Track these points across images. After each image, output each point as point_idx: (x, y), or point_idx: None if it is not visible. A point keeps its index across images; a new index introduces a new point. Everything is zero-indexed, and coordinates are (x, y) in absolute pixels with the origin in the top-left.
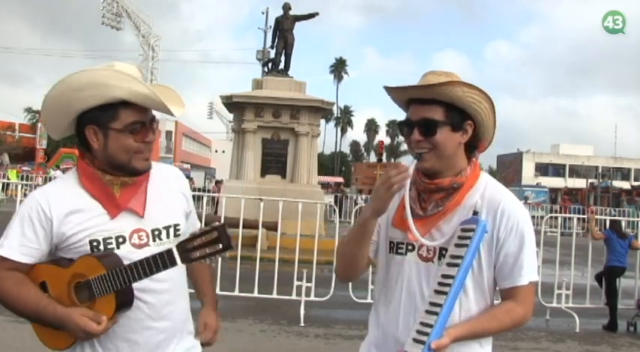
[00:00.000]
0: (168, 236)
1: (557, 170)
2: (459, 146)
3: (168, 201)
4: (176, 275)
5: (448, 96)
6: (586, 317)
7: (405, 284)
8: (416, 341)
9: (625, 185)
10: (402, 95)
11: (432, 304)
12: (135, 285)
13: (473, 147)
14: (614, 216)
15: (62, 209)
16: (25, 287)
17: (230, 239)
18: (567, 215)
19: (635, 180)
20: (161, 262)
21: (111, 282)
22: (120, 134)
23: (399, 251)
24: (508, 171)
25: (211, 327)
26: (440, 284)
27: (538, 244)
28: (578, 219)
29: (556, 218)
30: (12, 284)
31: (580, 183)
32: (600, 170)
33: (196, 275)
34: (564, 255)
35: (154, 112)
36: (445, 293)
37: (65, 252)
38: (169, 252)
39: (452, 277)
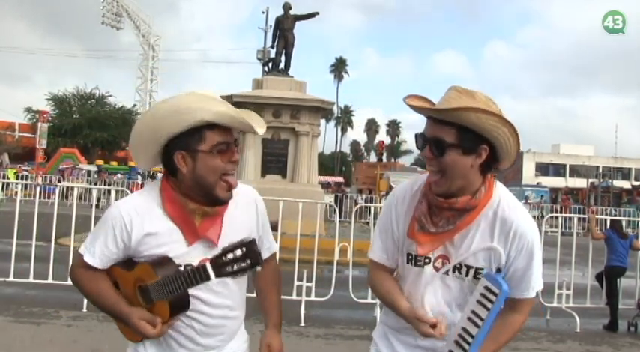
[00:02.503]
0: None
1: (558, 170)
2: (470, 168)
3: (238, 231)
4: (235, 296)
5: (461, 120)
6: (586, 317)
7: (421, 291)
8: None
9: (625, 185)
10: (420, 112)
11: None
12: (191, 305)
13: (489, 166)
14: (615, 215)
15: (142, 229)
16: (103, 285)
17: (258, 255)
18: (568, 215)
19: (636, 179)
20: (195, 277)
21: (163, 289)
22: (207, 155)
23: (418, 263)
24: (508, 170)
25: (275, 349)
26: (460, 335)
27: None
28: (579, 218)
29: (556, 218)
30: (91, 281)
31: (581, 182)
32: (601, 170)
33: (264, 293)
34: (565, 254)
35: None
36: (464, 349)
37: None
38: (204, 267)
39: (471, 335)
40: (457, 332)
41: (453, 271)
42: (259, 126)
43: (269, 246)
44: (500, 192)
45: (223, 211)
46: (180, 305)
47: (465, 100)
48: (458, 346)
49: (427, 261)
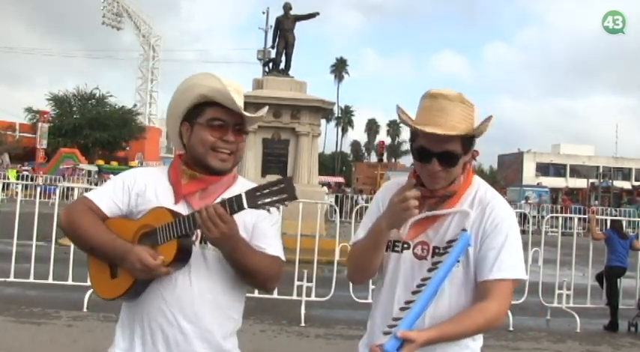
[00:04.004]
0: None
1: (558, 170)
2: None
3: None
4: (213, 285)
5: (477, 133)
6: (587, 317)
7: (400, 281)
8: (385, 333)
9: (626, 185)
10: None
11: (407, 302)
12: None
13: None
14: (615, 216)
15: (144, 184)
16: (99, 222)
17: (295, 190)
18: (568, 215)
19: (636, 179)
20: (229, 206)
21: (176, 228)
22: (201, 127)
23: (396, 249)
24: (509, 171)
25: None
26: (418, 286)
27: (539, 244)
28: (579, 219)
29: (557, 218)
30: (89, 217)
31: (581, 183)
32: (601, 170)
33: None
34: (565, 254)
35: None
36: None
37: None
38: (238, 196)
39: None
40: (387, 324)
41: (432, 256)
42: (239, 104)
43: (264, 249)
44: (480, 181)
45: (221, 186)
46: (186, 250)
47: (460, 107)
48: (386, 335)
49: (406, 246)
